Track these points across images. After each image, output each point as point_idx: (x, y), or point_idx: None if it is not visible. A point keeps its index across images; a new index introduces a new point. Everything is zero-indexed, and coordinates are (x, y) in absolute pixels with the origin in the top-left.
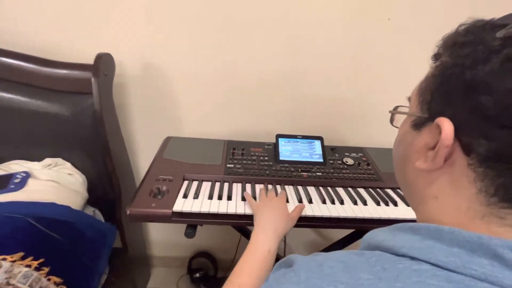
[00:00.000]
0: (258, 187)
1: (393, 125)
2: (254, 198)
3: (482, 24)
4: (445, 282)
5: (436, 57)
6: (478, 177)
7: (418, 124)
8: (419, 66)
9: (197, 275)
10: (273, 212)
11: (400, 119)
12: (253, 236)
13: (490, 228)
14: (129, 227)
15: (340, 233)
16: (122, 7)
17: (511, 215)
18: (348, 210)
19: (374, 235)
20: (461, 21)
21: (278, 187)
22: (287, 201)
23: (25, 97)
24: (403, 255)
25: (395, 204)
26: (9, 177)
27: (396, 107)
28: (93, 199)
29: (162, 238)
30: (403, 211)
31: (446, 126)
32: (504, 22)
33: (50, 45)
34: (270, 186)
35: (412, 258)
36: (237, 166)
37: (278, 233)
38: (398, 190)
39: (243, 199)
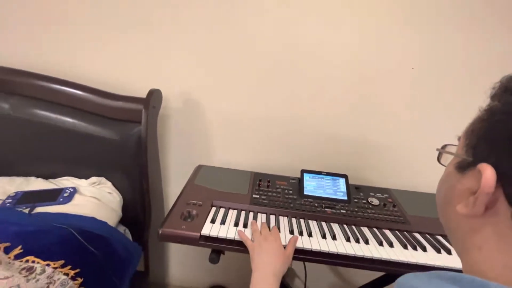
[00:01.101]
0: (282, 219)
1: (440, 163)
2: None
3: None
4: None
5: (491, 98)
6: None
7: (463, 167)
8: (447, 109)
9: None
10: (271, 254)
11: (448, 158)
12: (254, 281)
13: None
14: (153, 251)
15: (362, 278)
16: (173, 51)
17: None
18: (373, 250)
19: (408, 280)
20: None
21: (272, 218)
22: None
23: (86, 123)
24: None
25: (424, 249)
26: (59, 191)
27: (445, 146)
28: (124, 218)
29: (182, 267)
30: (432, 256)
31: (488, 173)
32: None
33: (111, 80)
34: (261, 218)
35: None
36: (263, 197)
37: (278, 275)
38: (426, 235)
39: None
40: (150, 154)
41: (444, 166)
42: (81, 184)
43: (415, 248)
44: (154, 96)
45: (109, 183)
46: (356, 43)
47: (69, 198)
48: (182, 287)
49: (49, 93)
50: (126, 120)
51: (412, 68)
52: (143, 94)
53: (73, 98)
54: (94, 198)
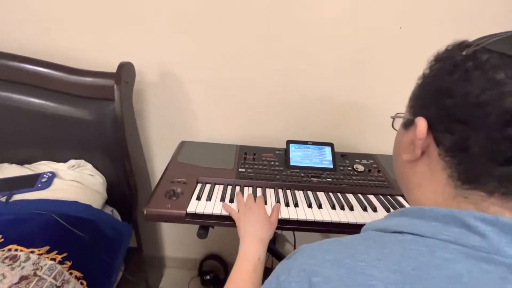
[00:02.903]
0: (269, 191)
1: (393, 128)
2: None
3: (458, 44)
4: (423, 246)
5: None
6: (446, 164)
7: (407, 125)
8: None
9: (208, 277)
10: (256, 222)
11: (399, 123)
12: (241, 248)
13: (459, 206)
14: (144, 227)
15: None
16: (145, 19)
17: (472, 195)
18: (357, 216)
19: (370, 224)
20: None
21: (258, 190)
22: (265, 203)
23: (54, 103)
24: (392, 232)
25: None
26: (37, 177)
27: (396, 114)
28: (111, 199)
29: (175, 239)
30: None
31: (421, 123)
32: (472, 43)
33: (77, 55)
34: (247, 192)
35: (400, 233)
36: (249, 170)
37: (265, 241)
38: None
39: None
40: (129, 132)
41: (396, 130)
42: (59, 168)
43: None
44: (126, 70)
45: (89, 165)
46: (341, 4)
47: (48, 183)
48: (178, 258)
49: (9, 72)
50: (98, 98)
51: (400, 28)
52: (114, 69)
53: (37, 76)
54: (75, 182)
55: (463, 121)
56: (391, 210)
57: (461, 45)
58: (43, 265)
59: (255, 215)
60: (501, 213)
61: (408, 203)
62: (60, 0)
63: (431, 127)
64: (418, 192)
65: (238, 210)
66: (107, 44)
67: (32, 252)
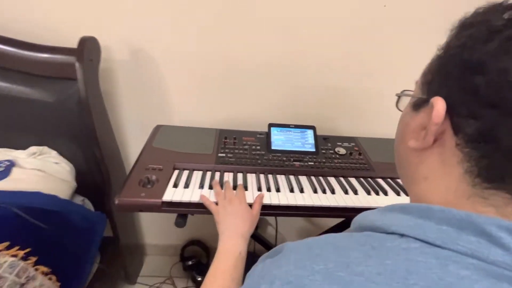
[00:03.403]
0: (250, 176)
1: (398, 108)
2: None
3: (494, 5)
4: (433, 258)
5: (449, 37)
6: (465, 157)
7: (417, 105)
8: (415, 56)
9: (190, 263)
10: (236, 217)
11: (405, 102)
12: (221, 243)
13: (476, 208)
14: (119, 216)
15: (332, 221)
16: None
17: (494, 196)
18: (339, 199)
19: (364, 217)
20: (460, 6)
21: (239, 176)
22: (246, 189)
23: (6, 83)
24: (392, 233)
25: (385, 193)
26: None
27: (403, 91)
28: (82, 188)
29: (154, 226)
30: (393, 200)
31: (439, 104)
32: None
33: (32, 28)
34: (228, 178)
35: (401, 236)
36: (229, 155)
37: (246, 236)
38: (388, 180)
39: (235, 188)
40: (96, 115)
41: (401, 111)
42: (18, 155)
43: (377, 193)
44: (89, 46)
45: (54, 152)
46: None
47: (6, 173)
48: (158, 245)
49: None
50: (59, 78)
51: (384, 6)
52: (75, 44)
53: None
54: (37, 171)
55: (495, 105)
56: (372, 192)
57: (500, 8)
58: (2, 262)
59: (235, 209)
60: None
61: (409, 195)
62: None
63: (450, 110)
64: (424, 186)
65: (217, 203)
66: (67, 16)
67: None
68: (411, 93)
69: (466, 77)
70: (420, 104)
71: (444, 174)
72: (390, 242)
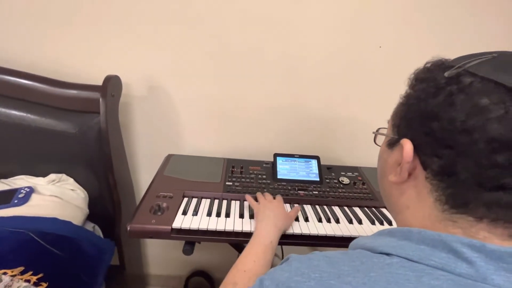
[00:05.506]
0: None
1: (376, 144)
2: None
3: (439, 63)
4: (410, 271)
5: (408, 87)
6: (433, 188)
7: (391, 144)
8: None
9: None
10: (273, 210)
11: (381, 138)
12: (256, 231)
13: (447, 230)
14: (127, 244)
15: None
16: (132, 32)
17: (461, 219)
18: (343, 228)
19: (359, 240)
20: (446, 48)
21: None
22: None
23: (36, 115)
24: (380, 253)
25: (390, 223)
26: (13, 192)
27: (379, 129)
28: (93, 215)
29: (159, 256)
30: None
31: (407, 146)
32: (454, 64)
33: (63, 68)
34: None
35: (387, 254)
36: (236, 184)
37: (279, 227)
38: None
39: (241, 216)
40: (114, 146)
41: (379, 146)
42: (38, 182)
43: (381, 223)
44: (112, 83)
45: (71, 180)
46: (326, 24)
47: (25, 199)
48: (162, 276)
49: None
50: (83, 111)
51: (380, 47)
52: (100, 82)
53: (19, 88)
54: (55, 197)
55: (450, 146)
56: (376, 222)
57: (442, 66)
58: (16, 287)
59: (274, 206)
60: (490, 239)
61: (396, 223)
62: (45, 12)
63: (417, 150)
64: (406, 214)
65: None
66: (93, 57)
67: (4, 273)
68: (385, 131)
69: (425, 123)
70: (393, 143)
71: (420, 202)
72: (376, 258)
